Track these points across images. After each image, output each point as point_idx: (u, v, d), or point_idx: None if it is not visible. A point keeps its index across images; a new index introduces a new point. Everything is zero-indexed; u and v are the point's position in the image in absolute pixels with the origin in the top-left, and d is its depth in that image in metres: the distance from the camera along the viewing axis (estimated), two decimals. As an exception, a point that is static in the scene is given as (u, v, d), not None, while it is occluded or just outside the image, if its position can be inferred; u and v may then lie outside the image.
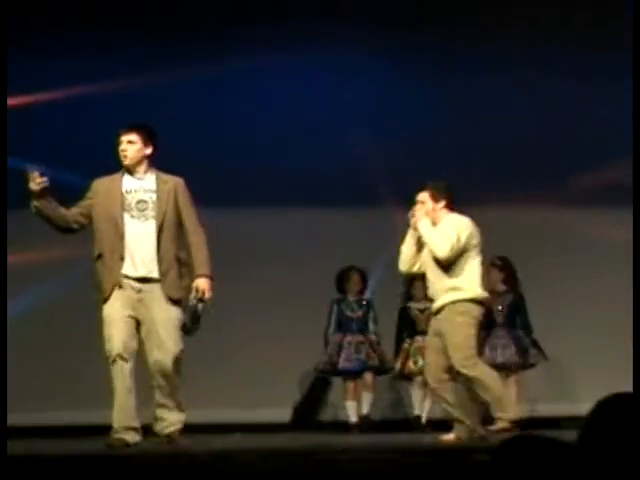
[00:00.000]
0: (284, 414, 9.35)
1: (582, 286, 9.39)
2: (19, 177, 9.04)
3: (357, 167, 9.09)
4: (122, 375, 6.55)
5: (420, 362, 8.66)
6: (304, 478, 5.09)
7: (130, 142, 6.62)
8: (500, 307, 8.83)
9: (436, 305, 6.97)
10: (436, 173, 8.35)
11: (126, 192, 6.67)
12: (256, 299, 9.27)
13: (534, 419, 8.55)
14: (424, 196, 7.03)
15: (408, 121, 9.42)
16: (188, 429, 6.88)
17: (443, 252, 6.89)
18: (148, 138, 6.65)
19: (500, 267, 8.84)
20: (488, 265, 8.59)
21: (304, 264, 9.19)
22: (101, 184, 6.74)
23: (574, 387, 9.20)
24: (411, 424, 8.92)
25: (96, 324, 6.62)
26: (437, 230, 7.02)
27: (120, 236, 6.60)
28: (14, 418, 8.24)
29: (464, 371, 6.83)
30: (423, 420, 8.90)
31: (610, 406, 2.23)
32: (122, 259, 6.59)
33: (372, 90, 9.51)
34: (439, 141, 9.22)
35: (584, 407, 2.38)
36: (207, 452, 6.07)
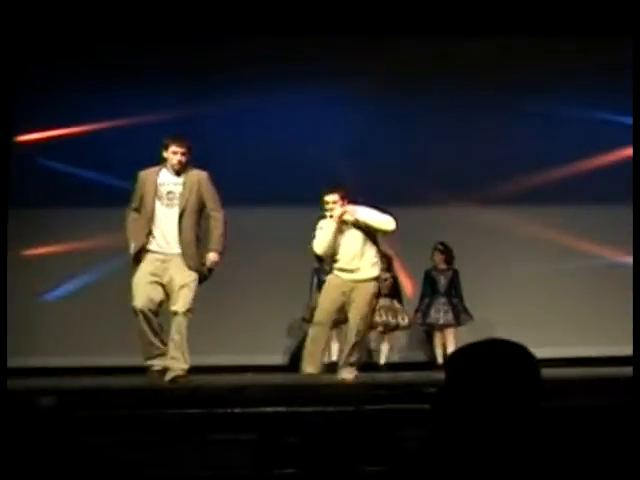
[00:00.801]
0: (280, 359, 9.35)
1: (501, 266, 9.44)
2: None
3: (332, 175, 8.70)
4: (144, 321, 6.59)
5: (383, 317, 8.78)
6: (296, 406, 5.15)
7: (183, 154, 6.72)
8: (442, 281, 9.01)
9: (361, 277, 7.13)
10: (391, 181, 8.64)
11: (159, 184, 6.72)
12: (257, 271, 9.29)
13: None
14: (335, 197, 7.16)
15: (373, 144, 9.41)
16: (207, 370, 7.10)
17: (392, 224, 7.13)
18: (191, 149, 6.79)
19: (442, 250, 9.03)
20: (432, 248, 9.00)
21: (294, 246, 8.93)
22: (144, 175, 6.81)
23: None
24: (374, 365, 8.91)
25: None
26: (371, 212, 7.15)
27: (149, 219, 6.69)
28: (80, 361, 8.58)
29: (358, 336, 7.13)
30: (382, 362, 8.98)
31: (462, 354, 2.08)
32: (148, 237, 6.66)
33: (348, 119, 9.48)
34: (396, 158, 9.31)
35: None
36: (224, 387, 6.36)
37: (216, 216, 6.80)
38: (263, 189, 9.24)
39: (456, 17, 8.95)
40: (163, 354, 6.68)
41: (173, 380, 6.58)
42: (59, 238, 9.33)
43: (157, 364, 6.69)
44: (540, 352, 2.16)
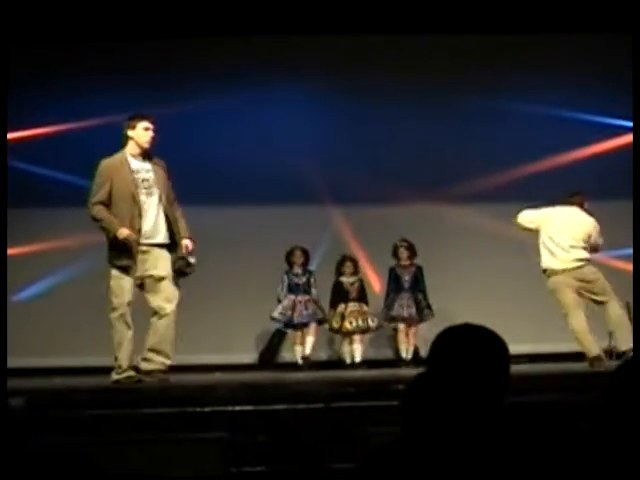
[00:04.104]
0: (250, 357, 9.40)
1: (465, 263, 9.50)
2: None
3: (299, 175, 9.23)
4: (127, 324, 6.21)
5: (354, 323, 8.89)
6: (266, 404, 5.15)
7: (154, 129, 6.26)
8: (406, 277, 9.04)
9: None
10: (357, 179, 8.63)
11: (134, 172, 6.22)
12: (226, 271, 9.31)
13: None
14: None
15: (339, 143, 9.47)
16: (176, 369, 6.83)
17: None
18: None
19: (406, 247, 9.06)
20: (394, 246, 9.04)
21: (269, 248, 9.22)
22: (111, 167, 6.23)
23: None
24: (343, 364, 8.98)
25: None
26: None
27: (138, 211, 6.18)
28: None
29: None
30: (348, 361, 8.96)
31: (446, 334, 2.17)
32: (140, 232, 6.17)
33: (314, 119, 9.55)
34: (361, 157, 9.38)
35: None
36: (195, 386, 6.34)
37: (177, 205, 6.48)
38: (229, 189, 9.29)
39: (420, 17, 9.02)
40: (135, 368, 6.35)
41: (150, 373, 6.31)
42: (26, 239, 9.30)
43: (135, 376, 6.31)
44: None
